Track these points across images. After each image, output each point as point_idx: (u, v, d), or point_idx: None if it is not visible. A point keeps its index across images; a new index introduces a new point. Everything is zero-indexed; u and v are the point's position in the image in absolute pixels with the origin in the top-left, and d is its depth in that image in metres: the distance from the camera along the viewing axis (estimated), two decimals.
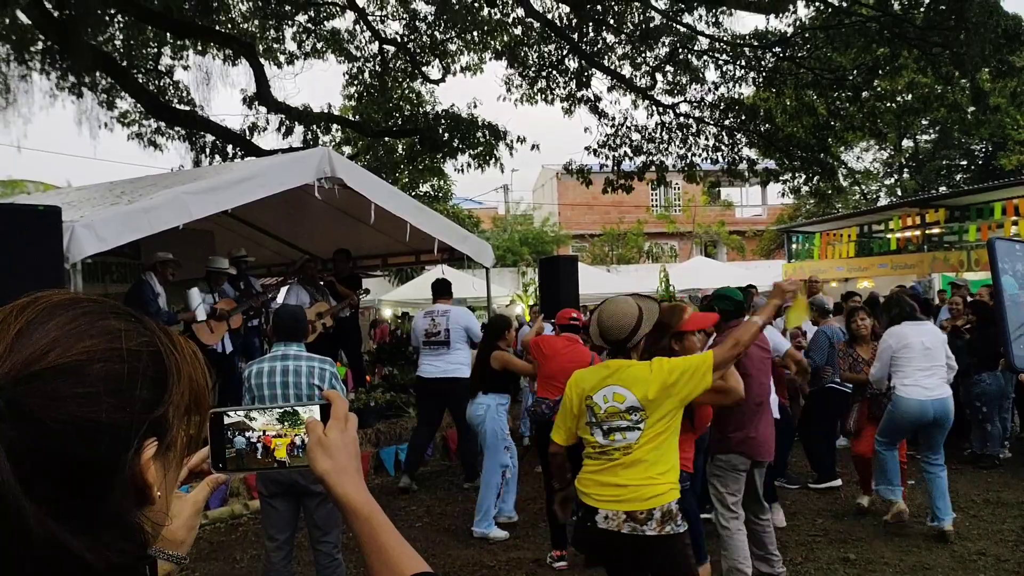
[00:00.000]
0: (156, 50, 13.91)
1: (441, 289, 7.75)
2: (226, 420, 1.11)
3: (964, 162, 32.33)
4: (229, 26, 13.70)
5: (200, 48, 13.80)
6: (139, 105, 13.65)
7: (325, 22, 14.61)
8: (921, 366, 5.82)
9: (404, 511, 6.93)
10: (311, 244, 10.62)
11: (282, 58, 14.94)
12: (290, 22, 14.27)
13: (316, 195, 7.23)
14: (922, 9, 10.54)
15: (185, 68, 14.51)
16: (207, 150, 14.09)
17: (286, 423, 1.11)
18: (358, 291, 9.39)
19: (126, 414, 0.71)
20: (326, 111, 14.28)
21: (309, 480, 3.99)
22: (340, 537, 4.43)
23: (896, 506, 5.95)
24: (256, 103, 13.65)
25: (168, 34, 12.97)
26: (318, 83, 18.43)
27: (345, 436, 1.10)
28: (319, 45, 14.75)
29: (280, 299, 9.30)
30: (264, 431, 1.11)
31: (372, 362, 11.30)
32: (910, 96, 13.26)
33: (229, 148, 13.98)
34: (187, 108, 13.98)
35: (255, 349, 8.75)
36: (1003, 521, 6.21)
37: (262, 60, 13.51)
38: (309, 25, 14.47)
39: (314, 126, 14.14)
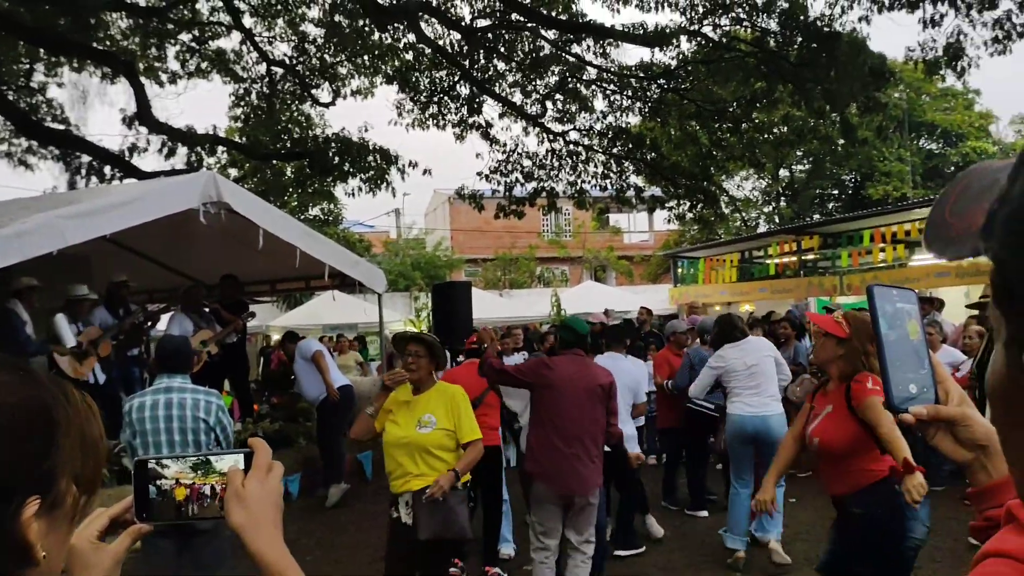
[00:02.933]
0: (28, 66, 13.24)
1: None
2: (151, 469, 1.06)
3: (836, 191, 34.16)
4: (108, 43, 13.17)
5: (76, 65, 13.22)
6: (8, 123, 12.94)
7: (210, 42, 14.25)
8: (747, 385, 6.01)
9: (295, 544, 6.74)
10: (196, 270, 10.26)
11: (164, 77, 14.47)
12: (173, 40, 13.84)
13: (201, 220, 7.00)
14: (796, 46, 11.10)
15: (60, 85, 13.88)
16: (83, 171, 13.45)
17: (199, 472, 1.07)
18: (244, 315, 9.13)
19: (3, 469, 0.66)
20: (211, 132, 13.88)
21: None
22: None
23: (736, 554, 5.93)
24: (136, 123, 13.14)
25: (41, 50, 12.36)
26: (203, 104, 17.89)
27: (265, 487, 1.06)
28: (204, 65, 14.35)
29: (163, 327, 8.93)
30: (178, 479, 1.07)
31: (260, 390, 10.99)
32: (786, 128, 13.92)
33: (107, 169, 13.39)
34: (61, 127, 13.34)
35: (135, 380, 8.36)
36: None
37: (143, 79, 13.03)
38: (193, 44, 14.07)
39: (198, 148, 13.72)
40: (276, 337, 20.74)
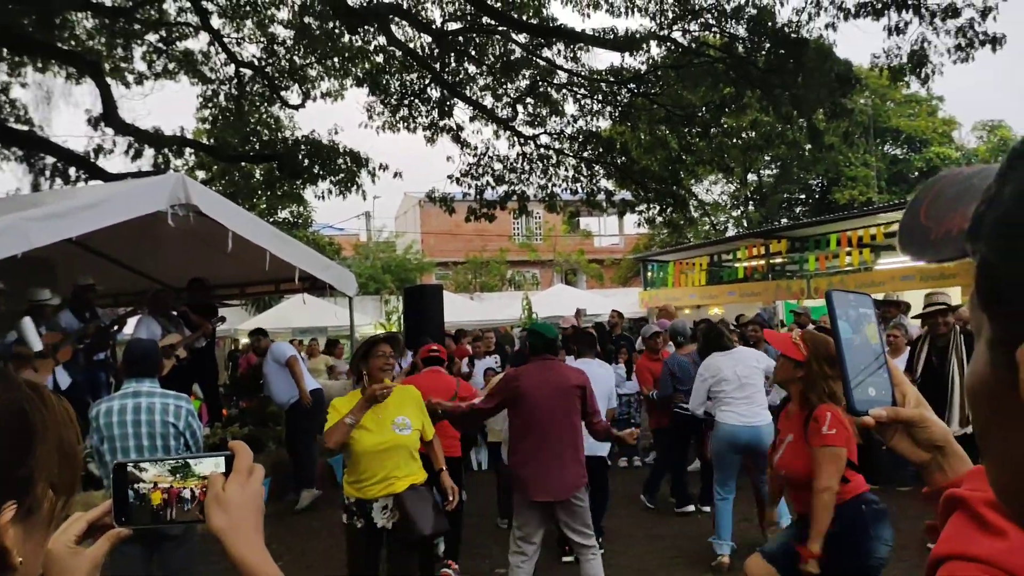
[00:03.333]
0: None
1: None
2: (129, 472, 1.05)
3: (803, 196, 34.55)
4: (73, 43, 12.99)
5: (40, 65, 13.01)
6: None
7: (177, 42, 14.09)
8: (737, 396, 6.04)
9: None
10: (164, 273, 10.15)
11: (131, 78, 14.27)
12: (139, 41, 13.67)
13: (169, 222, 6.92)
14: (764, 52, 11.22)
15: (23, 86, 13.65)
16: (47, 173, 13.23)
17: (178, 475, 1.06)
18: (213, 319, 9.04)
19: None
20: (178, 134, 13.73)
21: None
22: None
23: (720, 558, 6.00)
24: (102, 124, 12.97)
25: (4, 50, 12.16)
26: (170, 105, 17.69)
27: (246, 491, 1.05)
28: (171, 66, 14.19)
29: (130, 331, 8.81)
30: (156, 483, 1.06)
31: (228, 394, 10.88)
32: (754, 133, 14.04)
33: (72, 171, 13.19)
34: (25, 128, 13.12)
35: (102, 385, 8.23)
36: None
37: (109, 79, 12.86)
38: (160, 45, 13.91)
39: (165, 149, 13.57)
40: (245, 341, 20.58)
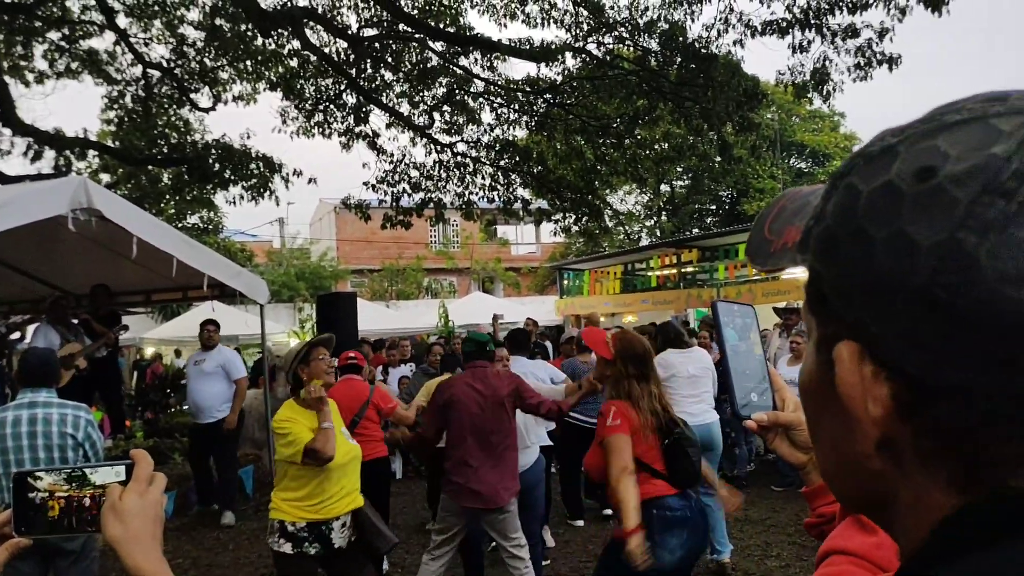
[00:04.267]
0: None
1: None
2: (30, 483, 1.03)
3: (713, 207, 35.53)
4: None
5: None
6: None
7: (81, 41, 13.60)
8: (687, 393, 6.12)
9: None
10: (64, 280, 9.74)
11: (31, 77, 13.72)
12: (41, 39, 13.14)
13: (71, 227, 6.66)
14: (675, 67, 11.49)
15: None
16: None
17: (74, 484, 1.04)
18: (116, 328, 8.73)
19: None
20: (81, 136, 13.23)
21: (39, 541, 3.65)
22: None
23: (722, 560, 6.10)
24: (0, 124, 12.42)
25: None
26: (73, 105, 17.10)
27: (145, 500, 1.03)
28: (74, 65, 13.68)
29: (28, 340, 8.45)
30: (51, 492, 1.04)
31: (134, 405, 10.54)
32: (666, 145, 14.35)
33: None
34: None
35: None
36: (750, 537, 6.81)
37: (7, 78, 12.32)
38: (63, 43, 13.40)
39: (67, 151, 13.06)
40: (151, 350, 19.94)
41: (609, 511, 7.46)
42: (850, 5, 9.74)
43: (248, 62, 13.59)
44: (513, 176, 14.23)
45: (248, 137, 13.19)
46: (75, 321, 8.57)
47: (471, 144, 14.13)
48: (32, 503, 1.04)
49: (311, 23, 12.28)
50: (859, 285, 0.51)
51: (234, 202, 13.11)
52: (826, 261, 0.54)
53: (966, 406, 0.47)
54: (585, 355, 7.85)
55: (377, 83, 13.44)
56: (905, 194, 0.49)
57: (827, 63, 10.44)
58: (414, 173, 14.06)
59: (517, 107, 13.72)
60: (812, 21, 10.01)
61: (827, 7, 9.85)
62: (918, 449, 0.50)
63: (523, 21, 12.16)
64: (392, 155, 13.99)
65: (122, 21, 13.10)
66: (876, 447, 0.52)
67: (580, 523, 7.54)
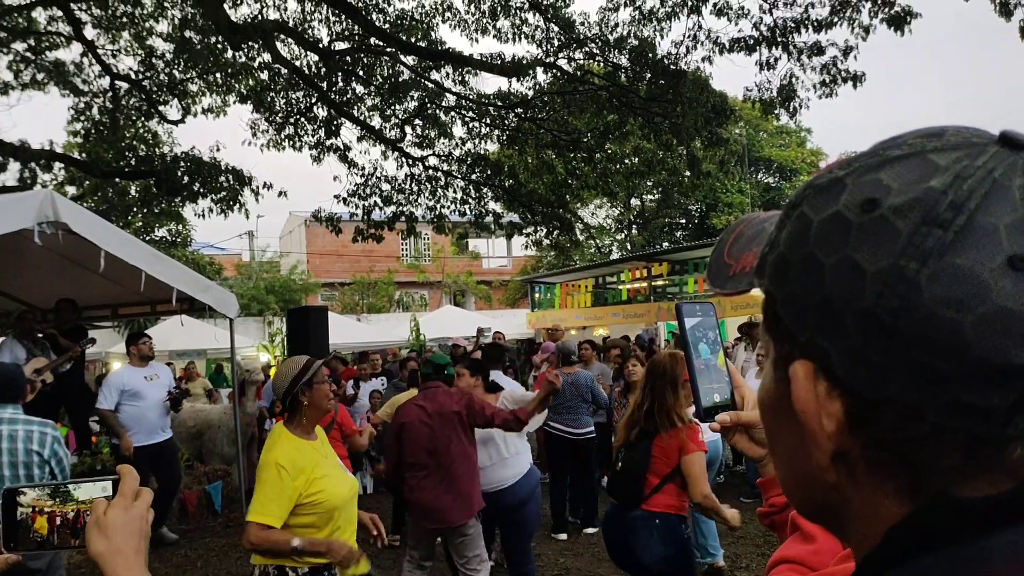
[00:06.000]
0: None
1: None
2: (19, 499, 1.03)
3: (683, 221, 35.83)
4: None
5: None
6: None
7: (47, 52, 13.46)
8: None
9: None
10: (29, 294, 9.61)
11: None
12: (5, 50, 12.99)
13: (36, 240, 6.58)
14: (645, 82, 11.63)
15: None
16: None
17: (58, 500, 1.05)
18: (83, 342, 8.63)
19: None
20: (47, 148, 13.07)
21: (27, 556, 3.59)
22: None
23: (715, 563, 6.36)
24: None
25: None
26: (38, 117, 16.90)
27: (129, 515, 1.05)
28: (40, 76, 13.54)
29: None
30: (35, 507, 1.04)
31: (101, 420, 10.37)
32: (636, 159, 14.47)
33: None
34: None
35: None
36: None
37: None
38: (28, 54, 13.25)
39: (32, 163, 12.89)
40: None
41: (592, 529, 7.48)
42: (815, 24, 9.94)
43: (218, 74, 13.51)
44: (484, 190, 14.27)
45: (218, 150, 13.09)
46: (41, 335, 8.46)
47: (443, 158, 14.16)
48: (20, 519, 1.05)
49: (282, 36, 12.26)
50: (811, 307, 0.54)
51: (203, 215, 13.00)
52: (780, 284, 0.57)
53: (908, 419, 0.51)
54: (575, 367, 7.92)
55: (348, 96, 13.43)
56: (852, 223, 0.52)
57: (793, 80, 10.63)
58: (385, 186, 14.06)
59: (488, 121, 13.78)
60: (779, 39, 10.20)
61: (793, 25, 10.05)
62: (868, 461, 0.54)
63: (494, 36, 12.23)
64: (363, 168, 13.98)
65: (90, 32, 13.00)
66: (831, 460, 0.55)
67: (563, 536, 7.48)
